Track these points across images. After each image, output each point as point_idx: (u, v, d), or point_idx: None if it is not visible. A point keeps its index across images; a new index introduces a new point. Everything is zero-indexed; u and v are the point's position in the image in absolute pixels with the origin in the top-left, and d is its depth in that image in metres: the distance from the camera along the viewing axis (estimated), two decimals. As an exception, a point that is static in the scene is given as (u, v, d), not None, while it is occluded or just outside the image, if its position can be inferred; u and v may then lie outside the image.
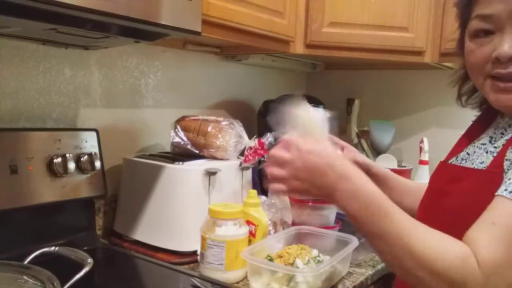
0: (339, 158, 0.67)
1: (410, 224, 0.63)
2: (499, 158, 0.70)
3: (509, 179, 0.64)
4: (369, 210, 0.63)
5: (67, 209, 1.17)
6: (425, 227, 0.63)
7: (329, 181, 0.65)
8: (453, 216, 0.72)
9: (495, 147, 0.76)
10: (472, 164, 0.78)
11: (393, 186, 1.03)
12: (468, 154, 0.82)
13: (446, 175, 0.80)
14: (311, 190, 0.68)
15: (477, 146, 0.81)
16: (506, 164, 0.68)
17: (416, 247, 0.60)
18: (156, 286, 1.10)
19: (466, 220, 0.67)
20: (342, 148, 1.08)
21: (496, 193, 0.64)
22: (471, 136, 0.84)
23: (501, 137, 0.77)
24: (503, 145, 0.73)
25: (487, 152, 0.77)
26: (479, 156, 0.78)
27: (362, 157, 1.07)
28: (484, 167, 0.74)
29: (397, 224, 0.62)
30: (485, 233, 0.62)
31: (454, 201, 0.75)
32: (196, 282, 0.98)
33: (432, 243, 0.61)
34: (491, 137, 0.80)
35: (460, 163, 0.81)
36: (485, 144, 0.79)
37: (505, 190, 0.63)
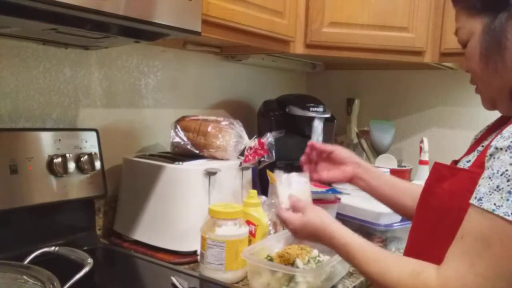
0: (323, 223, 0.85)
1: (371, 256, 0.74)
2: (481, 157, 0.70)
3: (479, 185, 0.64)
4: (347, 255, 0.79)
5: (67, 209, 1.17)
6: (387, 256, 0.74)
7: (320, 240, 0.86)
8: (437, 214, 0.73)
9: (482, 146, 0.76)
10: (460, 163, 0.79)
11: (392, 184, 1.06)
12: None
13: (436, 174, 0.81)
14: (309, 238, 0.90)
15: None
16: (486, 165, 0.67)
17: (375, 275, 0.72)
18: (156, 286, 1.10)
19: (448, 219, 0.69)
20: (330, 153, 1.08)
21: (469, 201, 0.65)
22: (482, 139, 0.84)
23: (490, 136, 0.77)
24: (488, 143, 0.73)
25: (474, 151, 0.78)
26: (469, 156, 0.79)
27: (353, 158, 1.08)
28: (468, 167, 0.75)
29: (361, 259, 0.76)
30: (454, 246, 0.65)
31: (438, 199, 0.76)
32: (175, 280, 0.99)
33: (389, 268, 0.70)
34: (487, 139, 0.80)
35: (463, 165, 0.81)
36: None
37: (475, 198, 0.64)
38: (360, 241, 0.78)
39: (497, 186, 0.61)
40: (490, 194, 0.61)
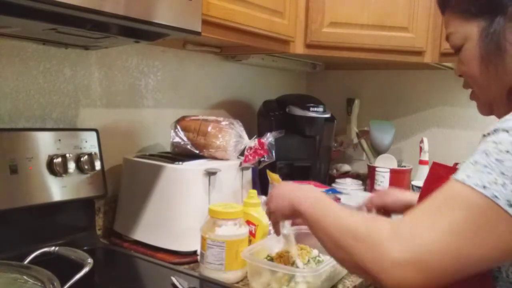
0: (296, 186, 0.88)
1: (339, 210, 0.74)
2: None
3: (461, 164, 0.66)
4: (316, 205, 0.77)
5: (67, 209, 1.17)
6: (351, 211, 0.74)
7: (293, 197, 0.83)
8: None
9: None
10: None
11: None
12: None
13: (433, 174, 0.82)
14: (284, 208, 0.86)
15: None
16: None
17: (340, 220, 0.71)
18: (156, 286, 1.10)
19: None
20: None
21: None
22: None
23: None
24: None
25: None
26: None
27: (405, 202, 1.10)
28: None
29: (330, 210, 0.74)
30: (416, 206, 0.65)
31: None
32: (175, 280, 0.99)
33: (353, 217, 0.70)
34: None
35: None
36: None
37: (454, 174, 0.64)
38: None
39: (475, 161, 0.62)
40: (467, 168, 0.62)
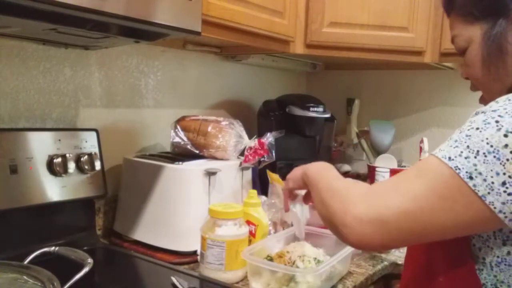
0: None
1: (334, 176, 0.81)
2: None
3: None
4: (320, 171, 0.84)
5: (67, 209, 1.17)
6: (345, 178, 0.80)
7: (306, 166, 0.90)
8: None
9: None
10: None
11: None
12: None
13: None
14: (297, 174, 0.92)
15: None
16: None
17: (330, 181, 0.77)
18: (156, 286, 1.10)
19: None
20: None
21: None
22: None
23: None
24: None
25: None
26: None
27: None
28: None
29: (328, 175, 0.81)
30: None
31: None
32: (175, 280, 0.99)
33: (341, 181, 0.76)
34: None
35: None
36: None
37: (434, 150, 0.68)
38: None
39: (451, 138, 0.66)
40: (444, 144, 0.66)
